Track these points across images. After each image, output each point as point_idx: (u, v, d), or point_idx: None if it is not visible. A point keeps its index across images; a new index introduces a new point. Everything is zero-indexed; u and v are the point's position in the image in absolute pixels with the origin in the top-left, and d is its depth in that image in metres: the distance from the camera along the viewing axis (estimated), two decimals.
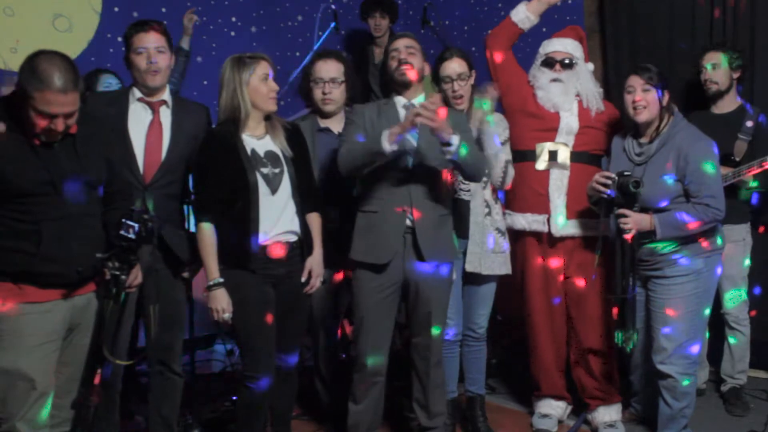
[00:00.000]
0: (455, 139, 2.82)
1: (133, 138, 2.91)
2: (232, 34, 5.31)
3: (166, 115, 2.98)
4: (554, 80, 3.44)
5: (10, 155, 2.37)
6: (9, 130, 2.39)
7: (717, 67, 3.68)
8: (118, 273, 2.52)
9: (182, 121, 2.99)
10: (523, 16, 3.54)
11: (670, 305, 3.11)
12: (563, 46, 3.48)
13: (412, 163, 2.99)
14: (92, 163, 2.54)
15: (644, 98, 3.09)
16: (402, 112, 3.04)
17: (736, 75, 3.72)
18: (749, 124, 3.63)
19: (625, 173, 3.02)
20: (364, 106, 3.14)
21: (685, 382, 3.13)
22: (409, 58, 3.05)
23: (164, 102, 2.99)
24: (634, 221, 3.00)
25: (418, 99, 3.07)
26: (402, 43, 3.09)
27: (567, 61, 3.45)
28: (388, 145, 2.81)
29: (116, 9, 4.72)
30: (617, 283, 3.05)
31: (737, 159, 3.61)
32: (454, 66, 3.30)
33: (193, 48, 5.08)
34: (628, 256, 3.01)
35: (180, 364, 3.09)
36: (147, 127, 2.94)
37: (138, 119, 2.94)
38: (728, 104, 3.74)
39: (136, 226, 2.48)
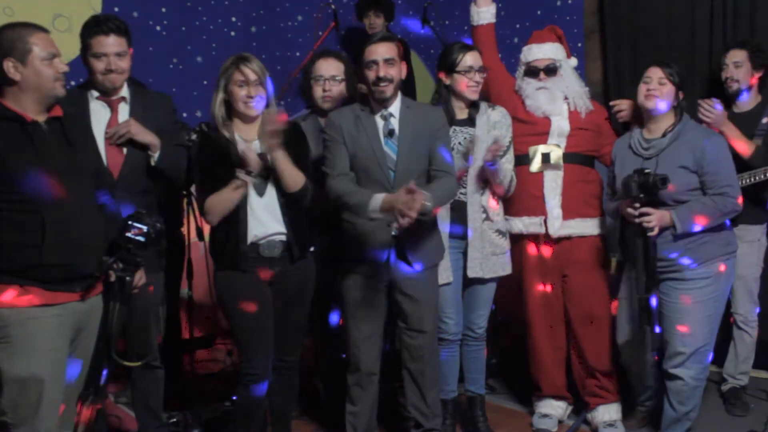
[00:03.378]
0: (429, 206, 2.83)
1: (96, 136, 2.87)
2: (232, 34, 5.31)
3: (124, 112, 2.99)
4: (540, 88, 3.45)
5: (2, 139, 2.38)
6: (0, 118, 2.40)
7: (739, 66, 3.66)
8: (123, 275, 2.52)
9: (140, 115, 2.98)
10: (476, 15, 3.62)
11: (689, 310, 3.07)
12: (543, 52, 3.48)
13: (394, 177, 2.99)
14: (83, 150, 2.54)
15: (659, 90, 3.10)
16: (380, 123, 3.03)
17: (758, 74, 3.68)
18: (764, 120, 3.60)
19: (646, 170, 2.98)
20: (339, 117, 3.06)
21: (696, 382, 3.13)
22: (388, 72, 2.96)
23: (123, 99, 2.99)
24: (657, 218, 2.98)
25: (395, 105, 3.05)
26: (381, 55, 2.95)
27: (551, 67, 3.45)
28: (378, 214, 2.85)
29: (116, 9, 4.72)
30: (640, 282, 3.03)
31: None
32: (475, 57, 3.28)
33: (193, 48, 5.10)
34: (652, 254, 2.99)
35: (158, 358, 3.12)
36: (105, 125, 2.93)
37: (98, 117, 2.94)
38: (749, 103, 3.71)
39: (145, 228, 2.48)
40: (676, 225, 3.00)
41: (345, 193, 2.94)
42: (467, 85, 3.27)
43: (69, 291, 2.45)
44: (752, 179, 3.49)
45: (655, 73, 3.12)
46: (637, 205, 2.99)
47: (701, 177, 3.04)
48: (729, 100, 3.74)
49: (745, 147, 3.50)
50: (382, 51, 2.97)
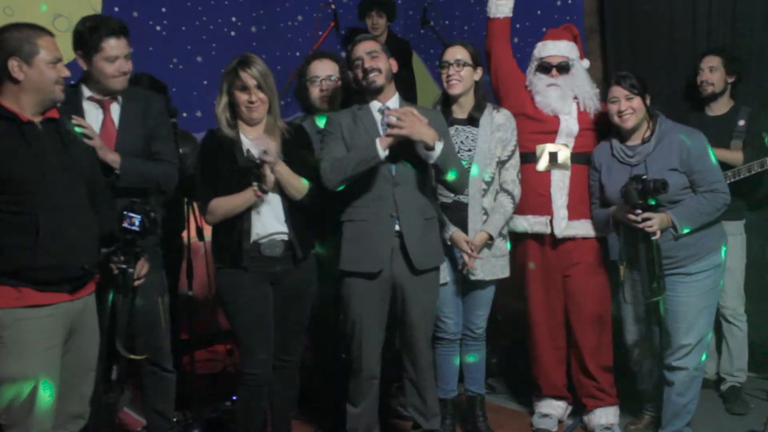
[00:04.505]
0: (439, 146, 2.88)
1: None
2: (232, 34, 5.30)
3: (116, 112, 2.96)
4: (551, 85, 3.44)
5: None
6: None
7: (714, 70, 3.80)
8: (124, 266, 2.52)
9: (130, 114, 2.96)
10: (494, 8, 3.61)
11: (693, 303, 3.13)
12: (558, 49, 3.47)
13: (396, 169, 3.00)
14: (78, 152, 2.54)
15: (630, 106, 3.14)
16: (377, 117, 3.05)
17: (731, 79, 3.83)
18: (741, 123, 3.73)
19: (643, 177, 3.02)
20: (338, 115, 3.10)
21: (696, 372, 3.18)
22: (373, 63, 3.00)
23: (115, 99, 2.96)
24: (658, 222, 3.02)
25: (393, 100, 3.08)
26: (363, 50, 3.02)
27: (563, 65, 3.45)
28: (382, 151, 2.87)
29: (116, 9, 4.71)
30: (645, 285, 3.06)
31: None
32: (453, 51, 3.29)
33: (193, 48, 5.10)
34: (657, 257, 3.03)
35: (170, 361, 3.11)
36: (100, 127, 2.91)
37: (91, 118, 2.90)
38: (722, 106, 3.85)
39: (140, 217, 2.48)
40: (676, 225, 3.06)
41: (343, 158, 2.93)
42: (445, 79, 3.29)
43: (61, 291, 2.45)
44: (737, 176, 3.61)
45: (620, 92, 3.16)
46: (639, 211, 3.02)
47: (690, 176, 3.10)
48: (703, 102, 3.87)
49: (735, 156, 3.64)
50: (364, 47, 3.03)
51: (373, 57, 3.01)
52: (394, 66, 3.10)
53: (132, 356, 2.63)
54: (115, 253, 2.53)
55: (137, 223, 2.49)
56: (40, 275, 2.39)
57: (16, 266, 2.37)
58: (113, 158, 2.84)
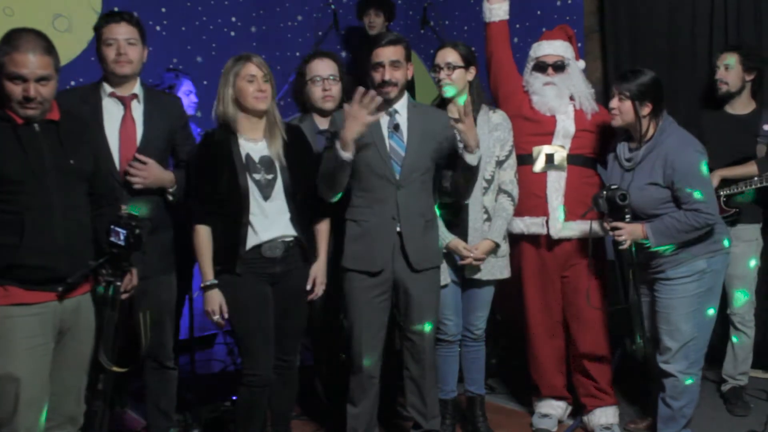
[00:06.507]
0: (478, 151, 2.94)
1: (108, 135, 2.89)
2: (232, 34, 5.32)
3: (137, 110, 2.96)
4: (547, 84, 3.44)
5: None
6: None
7: (729, 68, 3.68)
8: (111, 279, 2.52)
9: (154, 114, 2.97)
10: (488, 12, 3.62)
11: (674, 306, 3.11)
12: (553, 48, 3.48)
13: (400, 172, 3.00)
14: (76, 154, 2.53)
15: (618, 107, 3.12)
16: (385, 118, 3.03)
17: (749, 77, 3.70)
18: (766, 127, 3.62)
19: (612, 187, 3.05)
20: (342, 115, 3.03)
21: (687, 381, 3.14)
22: (393, 75, 2.98)
23: (135, 96, 2.96)
24: (627, 232, 3.04)
25: (401, 103, 3.07)
26: (387, 57, 2.98)
27: (559, 64, 3.45)
28: (344, 153, 2.83)
29: (116, 9, 4.71)
30: (619, 292, 3.07)
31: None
32: (444, 54, 3.29)
33: (193, 48, 5.11)
34: (627, 265, 3.03)
35: (172, 359, 3.12)
36: (119, 123, 2.91)
37: (111, 115, 2.91)
38: (743, 106, 3.73)
39: (124, 232, 2.48)
40: (649, 238, 3.04)
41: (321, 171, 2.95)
42: (437, 82, 3.30)
43: (50, 290, 2.44)
44: (749, 186, 3.53)
45: (614, 90, 3.15)
46: (610, 219, 3.04)
47: (673, 192, 3.04)
48: (720, 101, 3.77)
49: (750, 169, 3.54)
50: (388, 54, 2.99)
51: (394, 68, 2.99)
52: (410, 72, 3.09)
53: (115, 368, 2.62)
54: (103, 266, 2.52)
55: (122, 237, 2.49)
56: (25, 274, 2.39)
57: (2, 264, 2.37)
58: (168, 178, 2.91)
